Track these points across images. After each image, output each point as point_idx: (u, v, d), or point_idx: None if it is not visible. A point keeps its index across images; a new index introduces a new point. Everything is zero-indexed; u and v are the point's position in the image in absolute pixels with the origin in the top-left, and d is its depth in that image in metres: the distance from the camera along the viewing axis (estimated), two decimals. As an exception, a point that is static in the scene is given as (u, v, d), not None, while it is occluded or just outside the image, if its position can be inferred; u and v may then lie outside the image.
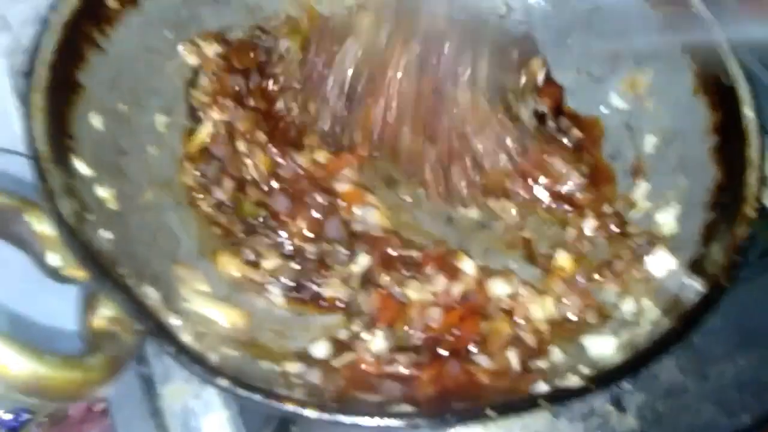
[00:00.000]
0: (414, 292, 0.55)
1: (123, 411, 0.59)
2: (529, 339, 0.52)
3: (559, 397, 0.38)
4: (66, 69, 0.53)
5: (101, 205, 0.51)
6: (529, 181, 0.62)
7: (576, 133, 0.65)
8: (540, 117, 0.65)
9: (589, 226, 0.59)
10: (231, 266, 0.57)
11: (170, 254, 0.55)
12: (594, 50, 0.66)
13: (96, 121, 0.54)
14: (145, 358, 0.61)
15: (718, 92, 0.55)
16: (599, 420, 0.55)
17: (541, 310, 0.54)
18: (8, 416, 1.00)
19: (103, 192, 0.52)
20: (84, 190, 0.50)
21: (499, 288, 0.55)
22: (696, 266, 0.47)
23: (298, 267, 0.57)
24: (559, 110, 0.67)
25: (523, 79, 0.66)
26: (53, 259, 0.44)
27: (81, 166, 0.51)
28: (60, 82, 0.51)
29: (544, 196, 0.62)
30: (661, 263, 0.53)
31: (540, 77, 0.67)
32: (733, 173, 0.51)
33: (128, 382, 0.60)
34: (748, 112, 0.53)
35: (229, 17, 0.68)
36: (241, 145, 0.62)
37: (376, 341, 0.51)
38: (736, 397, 0.56)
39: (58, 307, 0.55)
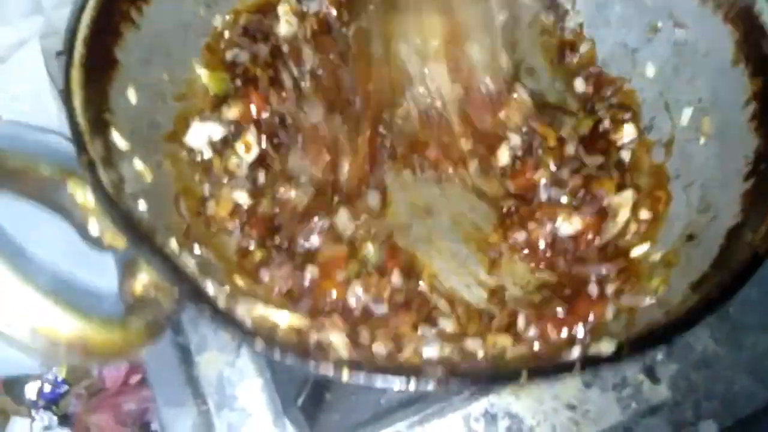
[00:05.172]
0: None
1: (161, 379, 0.61)
2: None
3: (592, 363, 0.38)
4: (103, 45, 0.54)
5: (138, 177, 0.53)
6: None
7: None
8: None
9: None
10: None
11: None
12: (632, 21, 0.65)
13: (132, 96, 0.55)
14: (182, 328, 0.62)
15: (759, 60, 0.54)
16: (632, 390, 0.55)
17: None
18: (48, 388, 1.04)
19: (139, 165, 0.53)
20: (122, 163, 0.51)
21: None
22: (734, 235, 0.46)
23: None
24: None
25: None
26: (94, 228, 0.45)
27: (119, 140, 0.52)
28: (97, 58, 0.52)
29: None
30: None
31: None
32: (773, 141, 0.50)
33: (166, 351, 0.62)
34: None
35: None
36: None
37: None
38: (772, 367, 0.56)
39: (101, 273, 0.57)
